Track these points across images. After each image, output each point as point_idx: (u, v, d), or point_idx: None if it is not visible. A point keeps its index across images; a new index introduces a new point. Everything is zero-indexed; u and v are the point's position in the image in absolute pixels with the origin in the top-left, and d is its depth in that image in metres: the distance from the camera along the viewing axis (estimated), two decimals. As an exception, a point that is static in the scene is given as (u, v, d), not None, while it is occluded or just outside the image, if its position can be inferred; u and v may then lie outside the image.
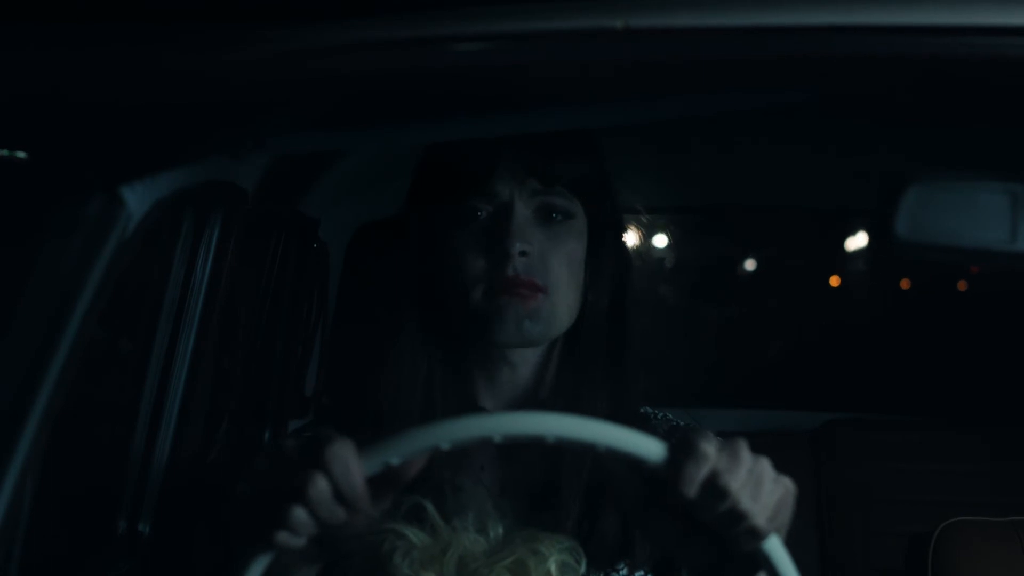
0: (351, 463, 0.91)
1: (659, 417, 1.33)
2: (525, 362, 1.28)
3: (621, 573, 1.20)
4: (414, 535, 1.03)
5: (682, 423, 1.33)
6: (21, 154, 1.00)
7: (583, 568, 1.04)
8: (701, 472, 0.90)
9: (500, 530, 1.06)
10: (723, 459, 0.91)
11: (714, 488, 0.91)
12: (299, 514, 0.91)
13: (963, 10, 0.83)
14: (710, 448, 0.90)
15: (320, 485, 0.91)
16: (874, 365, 3.68)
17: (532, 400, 1.28)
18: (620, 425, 0.90)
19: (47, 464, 1.04)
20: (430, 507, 1.05)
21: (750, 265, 5.40)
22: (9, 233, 1.03)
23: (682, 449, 0.90)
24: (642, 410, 1.32)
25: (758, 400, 2.95)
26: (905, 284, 4.79)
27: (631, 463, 0.91)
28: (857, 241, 5.00)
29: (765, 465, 0.94)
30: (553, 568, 1.02)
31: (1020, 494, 2.37)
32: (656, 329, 1.44)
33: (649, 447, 0.90)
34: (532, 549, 1.02)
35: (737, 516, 0.92)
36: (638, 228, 1.41)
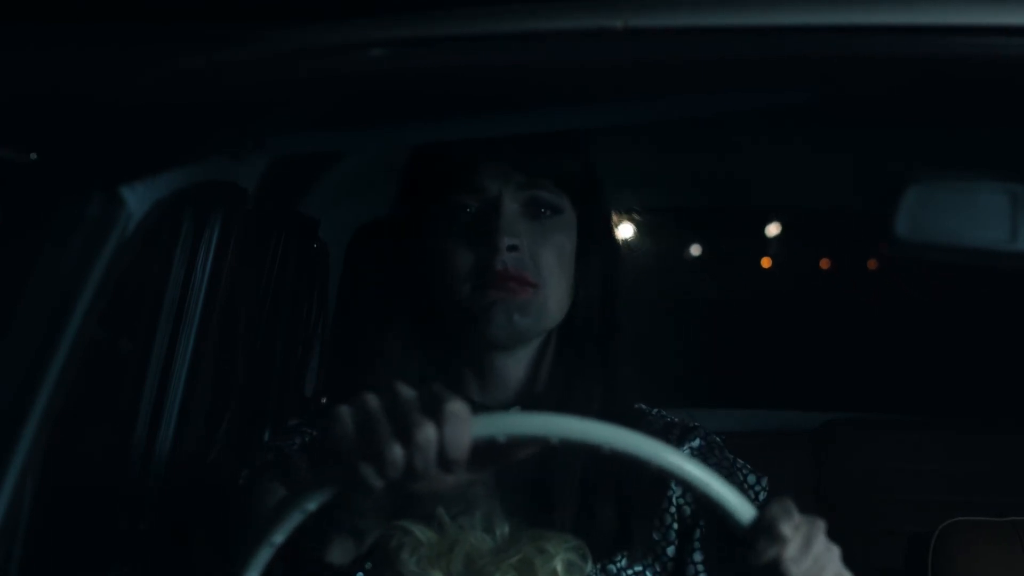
0: (464, 423, 0.90)
1: (653, 413, 1.33)
2: (518, 360, 1.27)
3: (619, 564, 1.20)
4: (421, 532, 1.03)
5: (677, 419, 1.33)
6: (22, 154, 1.00)
7: (589, 567, 1.04)
8: (772, 553, 0.93)
9: (506, 528, 1.06)
10: (796, 544, 0.93)
11: (777, 569, 0.93)
12: (397, 452, 0.89)
13: (963, 10, 0.83)
14: (788, 531, 0.93)
15: (429, 433, 0.89)
16: (874, 364, 3.67)
17: (525, 399, 1.28)
18: (722, 479, 0.93)
19: (47, 464, 1.04)
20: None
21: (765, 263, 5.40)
22: (9, 233, 1.03)
23: (765, 525, 0.93)
24: (636, 406, 1.32)
25: (758, 400, 2.94)
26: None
27: (716, 511, 0.94)
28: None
29: (834, 556, 0.98)
30: (559, 567, 1.02)
31: (1020, 494, 2.37)
32: (655, 328, 1.44)
33: (740, 508, 0.93)
34: (538, 548, 1.03)
35: None
36: (635, 227, 1.41)
